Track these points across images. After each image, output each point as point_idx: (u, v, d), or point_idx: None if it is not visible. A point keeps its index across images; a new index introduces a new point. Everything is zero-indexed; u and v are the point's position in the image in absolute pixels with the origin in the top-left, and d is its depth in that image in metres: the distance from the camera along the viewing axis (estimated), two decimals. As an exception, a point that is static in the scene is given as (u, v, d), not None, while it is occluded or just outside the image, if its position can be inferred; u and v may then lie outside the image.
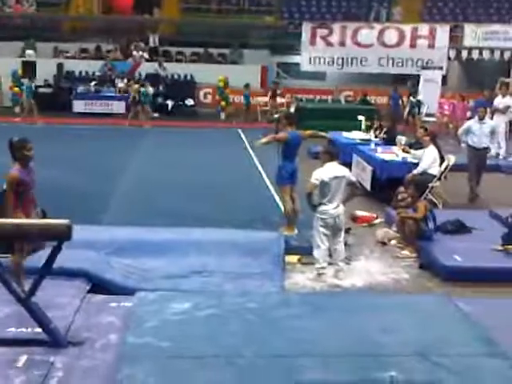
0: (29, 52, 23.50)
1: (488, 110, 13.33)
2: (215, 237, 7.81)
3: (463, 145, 11.99)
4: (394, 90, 21.02)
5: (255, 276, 6.85)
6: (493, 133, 11.44)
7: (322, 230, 7.15)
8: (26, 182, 5.96)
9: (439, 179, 9.94)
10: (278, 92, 21.91)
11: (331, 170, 7.16)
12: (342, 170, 7.31)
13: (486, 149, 11.36)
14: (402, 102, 19.90)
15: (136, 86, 20.31)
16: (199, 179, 11.56)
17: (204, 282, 6.62)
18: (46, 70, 22.68)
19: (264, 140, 8.74)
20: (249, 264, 7.17)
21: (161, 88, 22.97)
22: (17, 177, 5.90)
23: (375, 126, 13.63)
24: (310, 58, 23.78)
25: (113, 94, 22.21)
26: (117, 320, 5.48)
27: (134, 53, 24.54)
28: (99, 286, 6.37)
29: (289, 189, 8.42)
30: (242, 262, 7.21)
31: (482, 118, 11.28)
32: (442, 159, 10.08)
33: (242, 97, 22.07)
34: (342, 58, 23.77)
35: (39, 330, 5.01)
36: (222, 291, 6.36)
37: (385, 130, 12.95)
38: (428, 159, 9.86)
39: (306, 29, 23.78)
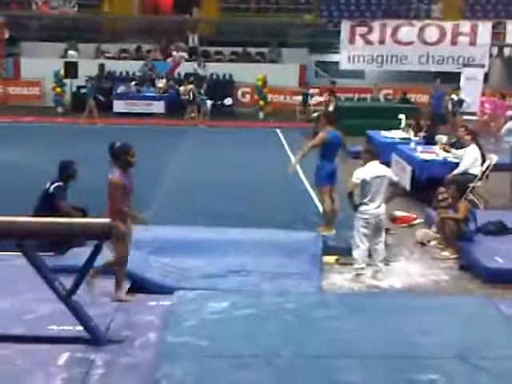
0: (71, 53, 23.89)
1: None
2: (253, 236, 7.84)
3: (506, 145, 11.69)
4: (434, 88, 20.69)
5: (293, 276, 6.86)
6: None
7: (362, 230, 7.11)
8: (125, 186, 6.01)
9: (480, 179, 9.77)
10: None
11: (372, 170, 7.14)
12: (384, 170, 7.27)
13: None
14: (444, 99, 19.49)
15: (190, 86, 20.45)
16: (238, 179, 11.61)
17: (242, 282, 6.65)
18: (87, 70, 23.02)
19: (300, 156, 8.62)
20: (286, 264, 7.18)
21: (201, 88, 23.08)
22: (119, 181, 5.95)
23: (413, 124, 13.46)
24: (349, 57, 23.66)
25: (153, 94, 22.42)
26: (156, 319, 5.54)
27: (174, 53, 24.73)
28: (138, 284, 6.46)
29: (328, 189, 8.38)
30: (280, 261, 7.23)
31: None
32: (484, 159, 9.91)
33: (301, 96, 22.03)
34: (382, 56, 23.59)
35: (80, 327, 5.10)
36: (260, 291, 6.38)
37: (425, 128, 12.80)
38: (469, 159, 9.71)
39: (345, 27, 23.67)
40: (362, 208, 7.12)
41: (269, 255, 7.33)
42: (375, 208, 7.08)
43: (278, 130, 18.58)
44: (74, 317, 5.03)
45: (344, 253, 7.51)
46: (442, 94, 19.26)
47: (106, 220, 5.15)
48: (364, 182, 7.06)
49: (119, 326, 5.38)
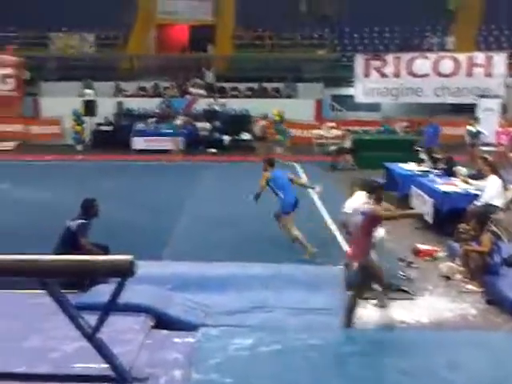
0: (87, 91, 24.25)
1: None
2: (276, 271, 7.81)
3: None
4: (429, 121, 20.16)
5: (317, 311, 6.78)
6: None
7: None
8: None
9: (503, 210, 9.66)
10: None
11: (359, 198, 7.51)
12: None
13: None
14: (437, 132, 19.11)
15: (263, 122, 20.58)
16: (257, 214, 11.59)
17: (266, 318, 6.58)
18: (106, 108, 23.37)
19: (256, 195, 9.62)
20: (310, 299, 7.11)
21: (217, 123, 23.29)
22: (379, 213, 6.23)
23: (428, 157, 13.41)
24: (364, 90, 23.79)
25: (171, 131, 22.61)
26: (180, 356, 5.48)
27: (191, 89, 25.04)
28: (162, 321, 6.41)
29: (292, 217, 9.19)
30: (303, 296, 7.16)
31: None
32: (505, 190, 9.81)
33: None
34: (397, 89, 23.71)
35: (105, 365, 5.05)
36: (285, 327, 6.31)
37: (444, 160, 12.73)
38: (491, 190, 9.62)
39: (359, 61, 23.86)
40: None
41: (292, 290, 7.28)
42: None
43: (295, 164, 18.60)
44: (99, 355, 4.98)
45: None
46: (436, 128, 19.04)
47: (128, 257, 5.09)
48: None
49: (144, 364, 5.32)
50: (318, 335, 5.73)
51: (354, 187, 8.00)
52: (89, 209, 7.87)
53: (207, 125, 23.11)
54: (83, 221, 7.77)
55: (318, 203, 12.68)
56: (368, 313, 6.99)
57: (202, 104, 24.35)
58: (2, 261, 4.84)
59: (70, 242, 7.65)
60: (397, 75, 23.73)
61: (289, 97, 25.42)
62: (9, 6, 26.63)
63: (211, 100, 24.41)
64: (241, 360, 5.19)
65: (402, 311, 6.99)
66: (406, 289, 7.39)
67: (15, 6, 26.63)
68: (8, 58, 24.72)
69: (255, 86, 25.91)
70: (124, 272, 5.02)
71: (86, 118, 22.79)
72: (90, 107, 22.63)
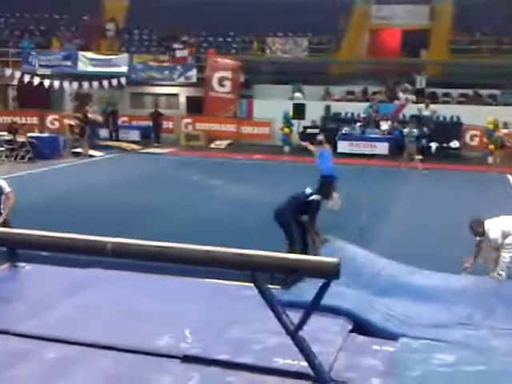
0: (297, 94, 24.93)
1: None
2: (481, 287, 7.40)
3: None
4: None
5: (528, 335, 6.29)
6: None
7: None
8: None
9: None
10: None
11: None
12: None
13: None
14: None
15: (503, 131, 20.23)
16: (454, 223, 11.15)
17: (470, 336, 6.23)
18: (314, 111, 23.83)
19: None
20: (520, 321, 6.62)
21: (425, 130, 22.65)
22: None
23: None
24: None
25: (377, 136, 22.46)
26: (379, 364, 5.40)
27: (400, 94, 24.62)
28: (361, 326, 6.36)
29: None
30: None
31: None
32: None
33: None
34: None
35: (304, 363, 5.13)
36: (491, 347, 5.93)
37: None
38: None
39: None
40: None
41: (499, 309, 6.84)
42: None
43: (509, 176, 17.49)
44: (300, 352, 5.07)
45: None
46: None
47: (333, 259, 5.09)
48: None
49: (342, 367, 5.34)
50: (530, 361, 5.32)
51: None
52: (324, 190, 8.47)
53: (414, 131, 22.56)
54: (320, 197, 8.25)
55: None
56: None
57: (411, 110, 23.84)
58: (219, 252, 5.11)
59: (300, 206, 8.19)
60: None
61: (506, 104, 23.90)
62: (228, 13, 28.29)
63: (421, 106, 23.79)
64: (442, 376, 4.99)
65: None
66: None
67: (235, 12, 28.21)
68: (226, 62, 26.22)
69: (469, 92, 24.78)
70: (330, 274, 5.05)
71: (295, 121, 23.45)
72: (299, 110, 23.23)
